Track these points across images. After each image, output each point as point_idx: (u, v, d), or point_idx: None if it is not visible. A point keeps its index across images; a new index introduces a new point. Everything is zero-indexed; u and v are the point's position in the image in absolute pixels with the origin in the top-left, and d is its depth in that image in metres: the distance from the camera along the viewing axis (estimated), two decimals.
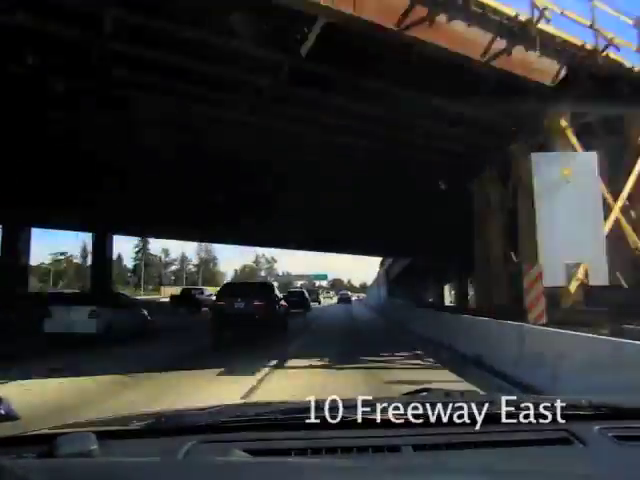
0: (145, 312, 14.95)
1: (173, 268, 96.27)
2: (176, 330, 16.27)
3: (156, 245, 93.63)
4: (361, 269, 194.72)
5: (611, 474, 1.03)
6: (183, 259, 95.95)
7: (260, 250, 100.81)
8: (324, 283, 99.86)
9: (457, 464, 1.06)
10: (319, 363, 8.98)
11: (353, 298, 65.25)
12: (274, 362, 8.93)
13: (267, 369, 8.28)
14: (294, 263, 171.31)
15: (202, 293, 31.51)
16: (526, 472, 1.01)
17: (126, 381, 7.30)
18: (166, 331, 15.37)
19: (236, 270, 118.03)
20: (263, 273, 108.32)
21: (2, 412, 1.14)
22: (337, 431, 1.17)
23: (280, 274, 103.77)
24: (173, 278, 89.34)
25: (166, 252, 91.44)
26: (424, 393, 1.53)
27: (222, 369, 8.01)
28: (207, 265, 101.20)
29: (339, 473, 0.90)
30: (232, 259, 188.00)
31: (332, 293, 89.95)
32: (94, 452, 0.91)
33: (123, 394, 6.50)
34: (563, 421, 1.21)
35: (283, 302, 14.85)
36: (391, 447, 1.12)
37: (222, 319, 11.97)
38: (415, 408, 1.22)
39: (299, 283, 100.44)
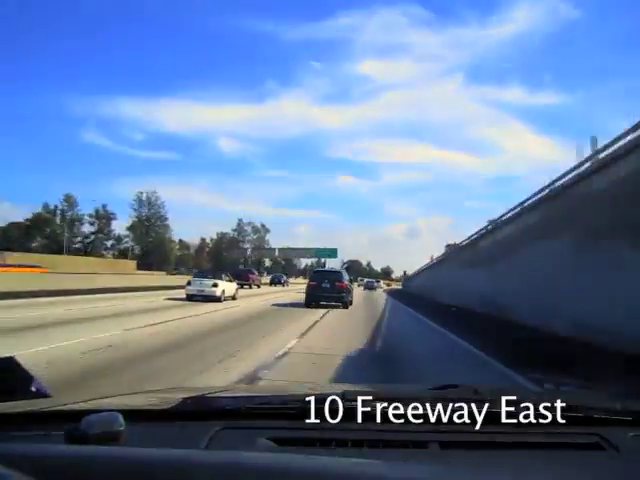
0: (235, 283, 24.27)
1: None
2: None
3: None
4: (380, 251, 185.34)
5: None
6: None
7: (244, 214, 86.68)
8: (334, 263, 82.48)
9: (484, 465, 1.03)
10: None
11: (379, 288, 60.05)
12: (334, 311, 18.29)
13: (329, 314, 17.15)
14: (291, 234, 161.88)
15: None
16: (555, 477, 0.99)
17: (254, 314, 16.22)
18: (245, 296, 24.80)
19: (204, 240, 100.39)
20: (248, 246, 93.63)
21: (34, 389, 1.23)
22: (363, 423, 1.16)
23: (271, 247, 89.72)
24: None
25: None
26: (452, 388, 1.46)
27: (309, 310, 17.63)
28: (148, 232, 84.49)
29: (363, 467, 0.88)
30: (195, 222, 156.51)
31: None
32: (121, 434, 0.92)
33: (256, 320, 14.76)
34: (594, 425, 1.19)
35: (348, 283, 22.24)
36: (418, 443, 1.12)
37: (314, 292, 20.14)
38: (443, 403, 1.21)
39: (304, 262, 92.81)
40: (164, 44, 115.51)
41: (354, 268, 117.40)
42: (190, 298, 20.46)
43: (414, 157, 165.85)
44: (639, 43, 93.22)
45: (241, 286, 30.82)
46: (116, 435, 0.92)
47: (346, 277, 22.07)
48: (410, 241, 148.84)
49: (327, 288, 19.52)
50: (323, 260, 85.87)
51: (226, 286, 22.14)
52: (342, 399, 1.21)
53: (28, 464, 0.76)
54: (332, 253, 78.45)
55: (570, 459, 1.10)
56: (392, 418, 1.16)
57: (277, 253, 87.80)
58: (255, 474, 0.79)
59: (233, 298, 22.55)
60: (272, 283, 50.96)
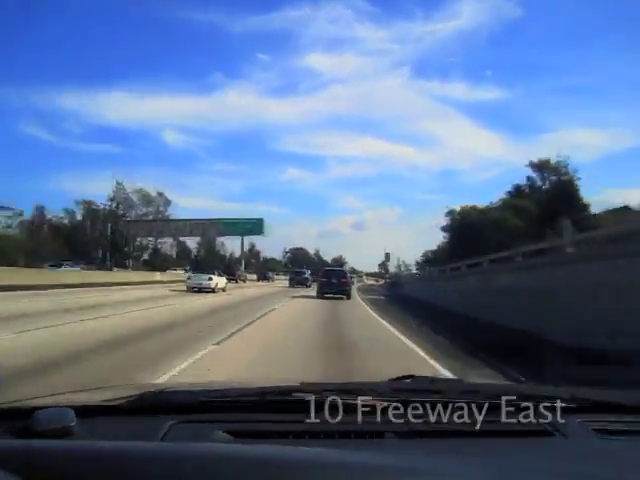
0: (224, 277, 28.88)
1: None
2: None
3: None
4: (329, 244, 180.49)
5: (590, 467, 1.02)
6: None
7: (191, 208, 67.57)
8: (260, 240, 77.32)
9: (438, 452, 1.05)
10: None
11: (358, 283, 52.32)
12: (305, 295, 23.19)
13: (332, 299, 21.96)
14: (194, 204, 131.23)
15: None
16: (505, 463, 1.01)
17: (255, 296, 20.79)
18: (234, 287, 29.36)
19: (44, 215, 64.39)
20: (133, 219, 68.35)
21: None
22: (320, 415, 1.15)
23: (170, 216, 68.64)
24: None
25: None
26: (408, 380, 1.48)
27: (288, 293, 22.61)
28: None
29: (320, 458, 0.88)
30: None
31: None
32: (73, 429, 0.90)
33: (258, 300, 19.78)
34: (543, 413, 1.21)
35: (350, 279, 27.59)
36: (375, 433, 1.12)
37: (324, 286, 24.45)
38: (400, 393, 1.24)
39: (229, 246, 78.95)
40: (103, 33, 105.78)
41: (299, 258, 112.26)
42: (190, 289, 24.92)
43: (361, 150, 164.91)
44: (574, 41, 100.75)
45: (228, 281, 35.32)
46: (67, 430, 0.90)
47: (348, 273, 29.26)
48: (358, 233, 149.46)
49: (334, 283, 24.55)
50: (249, 247, 70.99)
51: (219, 280, 26.95)
52: (300, 391, 1.24)
53: None
54: (256, 226, 62.45)
55: (521, 445, 1.13)
56: (350, 410, 1.16)
57: (178, 228, 66.28)
58: (210, 464, 0.78)
59: (223, 290, 27.06)
60: (259, 279, 57.04)
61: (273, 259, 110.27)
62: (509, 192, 46.59)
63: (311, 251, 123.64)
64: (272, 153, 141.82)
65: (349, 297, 24.16)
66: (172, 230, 67.55)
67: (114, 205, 69.34)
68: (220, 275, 28.38)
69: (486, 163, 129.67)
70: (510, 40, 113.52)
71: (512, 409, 1.22)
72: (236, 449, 0.97)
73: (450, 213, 50.77)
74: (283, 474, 0.77)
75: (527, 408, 1.23)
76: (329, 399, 1.18)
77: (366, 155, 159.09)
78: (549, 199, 39.26)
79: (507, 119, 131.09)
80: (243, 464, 0.80)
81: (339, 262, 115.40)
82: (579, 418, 1.24)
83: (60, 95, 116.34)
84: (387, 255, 50.07)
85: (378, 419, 1.16)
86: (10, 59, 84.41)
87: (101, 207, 68.51)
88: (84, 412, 1.04)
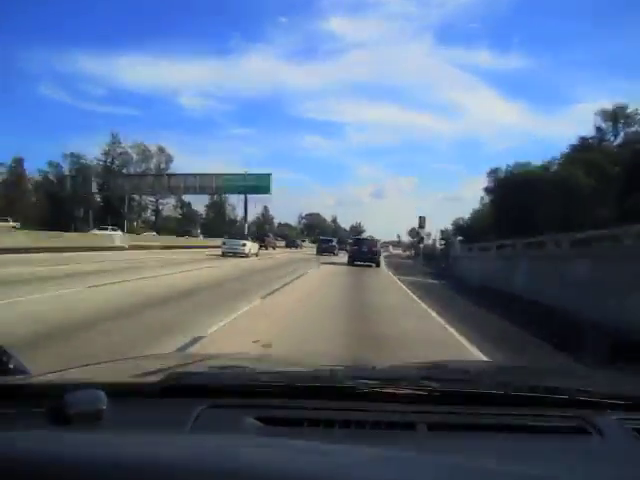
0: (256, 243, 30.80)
1: None
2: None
3: None
4: (347, 212, 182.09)
5: (631, 469, 0.98)
6: None
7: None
8: (266, 200, 71.13)
9: (471, 447, 1.03)
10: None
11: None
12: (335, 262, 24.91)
13: (361, 266, 23.59)
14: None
15: None
16: (542, 461, 0.98)
17: (289, 260, 22.42)
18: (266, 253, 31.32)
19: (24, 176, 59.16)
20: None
21: (11, 366, 1.21)
22: (351, 402, 1.15)
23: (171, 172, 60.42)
24: None
25: None
26: (442, 368, 1.44)
27: (317, 260, 24.43)
28: None
29: (352, 451, 0.88)
30: None
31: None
32: (103, 412, 0.92)
33: (293, 264, 21.42)
34: (579, 408, 1.18)
35: (379, 247, 28.87)
36: (406, 424, 1.10)
37: (355, 253, 25.84)
38: (431, 382, 1.22)
39: (235, 205, 73.24)
40: None
41: (315, 224, 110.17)
42: (224, 254, 26.74)
43: (381, 117, 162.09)
44: (605, 11, 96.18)
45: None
46: (98, 414, 0.92)
47: (377, 242, 29.94)
48: (377, 201, 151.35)
49: (364, 252, 25.84)
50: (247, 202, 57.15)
51: (252, 246, 28.72)
52: (331, 378, 1.25)
53: (6, 456, 0.75)
54: (262, 183, 53.89)
55: (555, 443, 1.08)
56: (381, 398, 1.16)
57: (172, 182, 57.02)
58: (242, 456, 0.78)
59: (256, 255, 28.83)
60: (288, 246, 59.47)
61: (288, 225, 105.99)
62: (572, 146, 38.09)
63: (328, 218, 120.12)
64: (291, 119, 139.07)
65: (378, 265, 25.66)
66: (170, 187, 58.68)
67: (109, 160, 62.23)
68: (253, 241, 30.22)
69: (508, 133, 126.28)
70: (537, 6, 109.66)
71: (546, 403, 1.21)
72: (266, 434, 1.02)
73: (493, 172, 41.78)
74: (313, 467, 0.75)
75: (562, 402, 1.21)
76: (360, 387, 1.18)
77: (386, 123, 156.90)
78: (635, 154, 30.79)
79: (532, 89, 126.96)
80: (274, 457, 0.80)
81: (357, 230, 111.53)
82: (616, 415, 1.18)
83: (78, 58, 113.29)
84: (422, 219, 39.55)
85: (410, 409, 1.14)
86: (28, 22, 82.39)
87: (95, 162, 61.21)
88: (113, 391, 1.03)
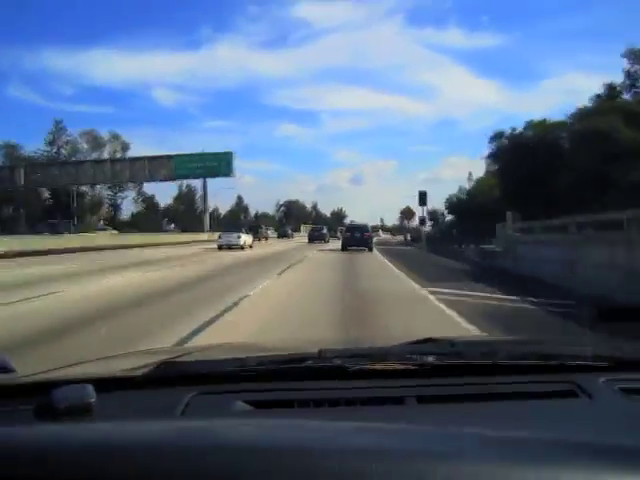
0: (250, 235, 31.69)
1: None
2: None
3: None
4: (327, 198, 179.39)
5: (620, 428, 0.99)
6: None
7: None
8: (225, 182, 69.90)
9: (461, 417, 1.03)
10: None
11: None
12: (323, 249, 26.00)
13: (354, 251, 24.48)
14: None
15: None
16: (533, 426, 0.98)
17: (284, 250, 23.32)
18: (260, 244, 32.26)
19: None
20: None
21: None
22: (339, 382, 1.16)
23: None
24: None
25: None
26: (428, 343, 1.46)
27: (309, 249, 25.57)
28: None
29: (342, 425, 0.89)
30: None
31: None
32: (92, 405, 0.90)
33: (278, 255, 22.07)
34: (567, 373, 1.20)
35: (371, 233, 30.30)
36: (394, 399, 1.11)
37: (348, 239, 27.25)
38: (418, 357, 1.24)
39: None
40: None
41: (294, 212, 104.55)
42: (220, 247, 27.55)
43: (356, 102, 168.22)
44: None
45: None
46: (87, 407, 0.90)
47: (369, 228, 31.59)
48: (356, 187, 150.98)
49: (358, 237, 27.49)
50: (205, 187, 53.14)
51: (246, 238, 29.66)
52: (319, 358, 1.24)
53: None
54: (221, 163, 47.31)
55: (544, 408, 1.10)
56: (369, 375, 1.17)
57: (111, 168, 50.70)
58: (233, 439, 0.78)
59: (250, 247, 29.64)
60: (280, 236, 59.23)
61: (265, 214, 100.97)
62: (597, 96, 30.80)
63: (308, 205, 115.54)
64: (266, 108, 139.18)
65: (371, 250, 26.81)
66: (116, 174, 50.79)
67: (54, 151, 54.47)
68: (247, 233, 31.23)
69: (484, 112, 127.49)
70: None
71: (533, 369, 1.23)
72: (256, 416, 1.03)
73: (497, 137, 32.44)
74: (304, 446, 0.74)
75: (549, 368, 1.23)
76: (348, 365, 1.18)
77: (361, 107, 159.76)
78: None
79: (505, 66, 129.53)
80: (265, 437, 0.79)
81: (339, 215, 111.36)
82: (604, 377, 1.18)
83: (47, 55, 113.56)
84: (422, 195, 32.00)
85: (398, 384, 1.15)
86: None
87: (37, 153, 52.82)
88: (103, 385, 1.02)
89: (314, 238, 40.35)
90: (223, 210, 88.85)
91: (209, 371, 1.24)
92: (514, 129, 32.01)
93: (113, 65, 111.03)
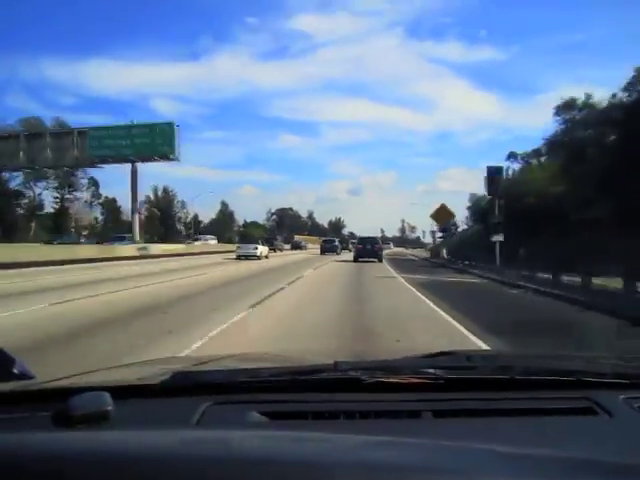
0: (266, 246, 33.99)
1: None
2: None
3: None
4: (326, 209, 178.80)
5: (636, 448, 0.97)
6: None
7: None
8: (168, 169, 72.63)
9: (477, 432, 1.02)
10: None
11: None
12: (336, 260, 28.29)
13: (331, 262, 26.74)
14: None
15: None
16: (550, 443, 0.97)
17: (289, 263, 25.27)
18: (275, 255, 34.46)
19: None
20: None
21: (16, 372, 1.21)
22: (355, 394, 1.16)
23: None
24: None
25: None
26: (445, 356, 1.44)
27: (321, 259, 28.29)
28: None
29: (357, 438, 0.88)
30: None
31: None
32: (109, 413, 0.91)
33: (291, 265, 24.07)
34: (585, 389, 1.17)
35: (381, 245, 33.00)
36: (410, 412, 1.10)
37: (360, 251, 29.63)
38: (434, 371, 1.22)
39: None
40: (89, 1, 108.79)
41: (286, 221, 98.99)
42: (239, 258, 29.64)
43: (355, 114, 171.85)
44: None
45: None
46: (104, 415, 0.90)
47: (379, 240, 34.42)
48: (354, 198, 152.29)
49: (369, 249, 29.92)
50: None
51: (262, 249, 32.04)
52: (334, 370, 1.24)
53: (9, 457, 0.74)
54: (157, 138, 36.23)
55: (562, 424, 1.08)
56: (384, 388, 1.16)
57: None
58: (248, 450, 0.78)
59: (266, 257, 31.70)
60: (293, 248, 62.42)
61: (255, 223, 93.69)
62: None
63: (303, 214, 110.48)
64: (265, 119, 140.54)
65: (380, 260, 29.18)
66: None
67: None
68: (263, 244, 33.71)
69: (481, 124, 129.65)
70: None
71: (550, 385, 1.21)
72: (272, 428, 1.03)
73: (567, 107, 21.54)
74: (319, 460, 0.73)
75: (566, 384, 1.21)
76: (363, 378, 1.17)
77: (360, 119, 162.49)
78: None
79: (503, 80, 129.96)
80: (280, 450, 0.78)
81: (337, 226, 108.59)
82: (623, 395, 1.16)
83: (46, 65, 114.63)
84: (496, 173, 20.61)
85: (414, 398, 1.15)
86: None
87: None
88: (120, 393, 1.03)
89: (326, 250, 42.46)
90: (205, 217, 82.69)
91: (225, 381, 1.24)
92: (589, 96, 21.18)
93: (112, 76, 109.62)
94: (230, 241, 57.41)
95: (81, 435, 0.86)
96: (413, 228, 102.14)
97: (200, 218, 75.83)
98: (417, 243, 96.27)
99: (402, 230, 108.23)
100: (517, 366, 1.41)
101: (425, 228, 54.72)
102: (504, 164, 30.79)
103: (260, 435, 0.92)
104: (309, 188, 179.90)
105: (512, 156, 35.68)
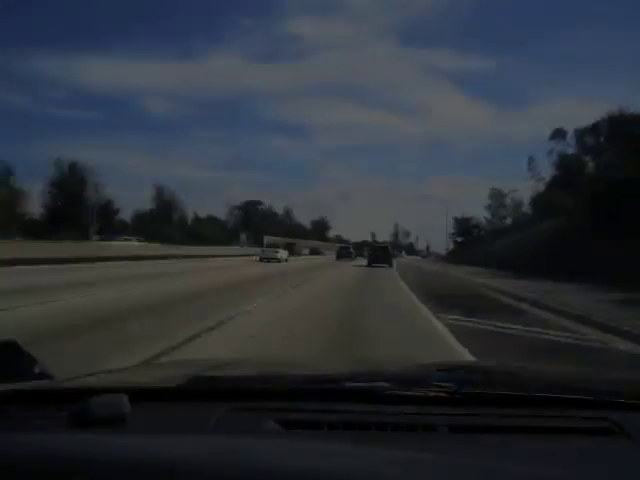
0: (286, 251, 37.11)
1: None
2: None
3: None
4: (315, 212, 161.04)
5: None
6: None
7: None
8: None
9: (493, 449, 1.01)
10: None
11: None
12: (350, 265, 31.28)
13: (376, 267, 30.08)
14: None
15: None
16: (565, 463, 0.94)
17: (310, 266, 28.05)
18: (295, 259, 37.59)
19: None
20: None
21: (37, 371, 1.24)
22: (370, 405, 1.14)
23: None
24: None
25: None
26: (462, 369, 1.41)
27: (337, 264, 32.05)
28: None
29: (373, 453, 0.87)
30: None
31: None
32: (125, 416, 0.92)
33: (317, 269, 26.81)
34: (604, 409, 1.14)
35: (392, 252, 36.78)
36: (426, 426, 1.09)
37: (372, 257, 33.41)
38: (451, 385, 1.20)
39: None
40: None
41: (255, 219, 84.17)
42: (261, 260, 32.92)
43: (347, 118, 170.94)
44: (560, 12, 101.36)
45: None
46: (121, 417, 0.91)
47: (389, 247, 38.06)
48: (344, 202, 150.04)
49: (380, 255, 33.74)
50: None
51: (283, 253, 35.48)
52: (350, 380, 1.24)
53: (27, 458, 0.75)
54: None
55: (580, 445, 1.04)
56: (400, 400, 1.15)
57: None
58: (263, 459, 0.78)
59: (286, 261, 34.76)
60: (311, 253, 67.45)
61: (213, 217, 79.84)
62: None
63: (279, 210, 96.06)
64: (258, 121, 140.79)
65: (391, 265, 32.16)
66: None
67: None
68: (284, 249, 37.31)
69: (473, 132, 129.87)
70: (499, 8, 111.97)
71: (568, 403, 1.18)
72: (286, 438, 1.03)
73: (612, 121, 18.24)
74: (332, 470, 0.73)
75: (585, 403, 1.18)
76: (379, 389, 1.18)
77: (352, 123, 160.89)
78: None
79: (495, 89, 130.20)
80: (294, 461, 0.78)
81: (321, 226, 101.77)
82: None
83: (38, 60, 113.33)
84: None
85: (430, 411, 1.14)
86: None
87: None
88: (137, 396, 1.03)
89: (342, 256, 45.93)
90: (129, 208, 67.51)
91: (241, 388, 1.26)
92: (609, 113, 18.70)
93: (105, 73, 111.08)
94: (170, 240, 45.16)
95: (97, 436, 0.86)
96: (407, 233, 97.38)
97: (127, 208, 60.03)
98: (412, 249, 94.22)
99: (395, 235, 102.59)
100: (535, 383, 1.41)
101: (420, 233, 50.86)
102: (547, 145, 26.00)
103: (275, 445, 0.91)
104: (299, 191, 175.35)
105: (558, 134, 27.07)
